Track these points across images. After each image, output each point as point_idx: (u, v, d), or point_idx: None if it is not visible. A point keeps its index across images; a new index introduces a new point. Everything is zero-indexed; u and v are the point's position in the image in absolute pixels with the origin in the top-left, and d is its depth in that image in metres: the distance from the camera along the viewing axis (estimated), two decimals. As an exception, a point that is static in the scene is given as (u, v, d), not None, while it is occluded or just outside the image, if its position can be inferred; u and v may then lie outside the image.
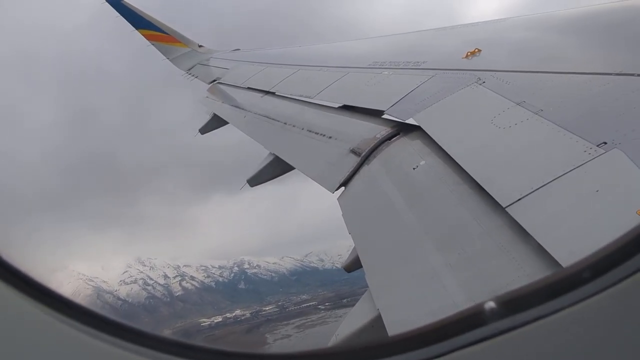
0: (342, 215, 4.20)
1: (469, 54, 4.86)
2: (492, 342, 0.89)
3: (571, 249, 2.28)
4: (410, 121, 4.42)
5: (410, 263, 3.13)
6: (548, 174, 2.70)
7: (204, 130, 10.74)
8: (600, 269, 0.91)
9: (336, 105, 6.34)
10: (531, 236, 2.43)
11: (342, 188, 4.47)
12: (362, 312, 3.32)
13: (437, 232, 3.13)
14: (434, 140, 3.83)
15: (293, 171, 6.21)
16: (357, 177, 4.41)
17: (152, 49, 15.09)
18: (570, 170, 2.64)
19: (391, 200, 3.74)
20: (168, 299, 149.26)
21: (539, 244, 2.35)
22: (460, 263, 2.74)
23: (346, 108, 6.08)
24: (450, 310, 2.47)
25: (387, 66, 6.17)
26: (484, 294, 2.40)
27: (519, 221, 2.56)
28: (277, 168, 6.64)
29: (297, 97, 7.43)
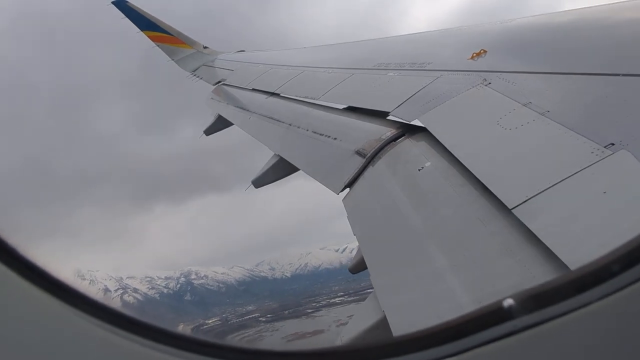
0: (347, 216, 4.19)
1: (474, 55, 4.84)
2: (511, 340, 0.88)
3: (578, 250, 2.26)
4: (416, 122, 4.41)
5: (416, 264, 3.11)
6: (555, 176, 2.68)
7: (208, 131, 10.76)
8: (622, 266, 0.89)
9: (341, 107, 6.34)
10: (538, 238, 2.41)
11: (347, 190, 4.46)
12: (367, 314, 3.30)
13: (442, 234, 3.12)
14: (439, 142, 3.82)
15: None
16: (362, 178, 4.40)
17: (159, 50, 15.14)
18: (578, 172, 2.62)
19: (396, 202, 3.73)
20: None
21: (545, 246, 2.34)
22: (465, 265, 2.72)
23: (351, 109, 6.07)
24: (455, 311, 2.45)
25: (392, 67, 6.15)
26: (490, 296, 2.39)
27: (525, 223, 2.54)
28: (281, 169, 6.64)
29: (302, 99, 7.43)
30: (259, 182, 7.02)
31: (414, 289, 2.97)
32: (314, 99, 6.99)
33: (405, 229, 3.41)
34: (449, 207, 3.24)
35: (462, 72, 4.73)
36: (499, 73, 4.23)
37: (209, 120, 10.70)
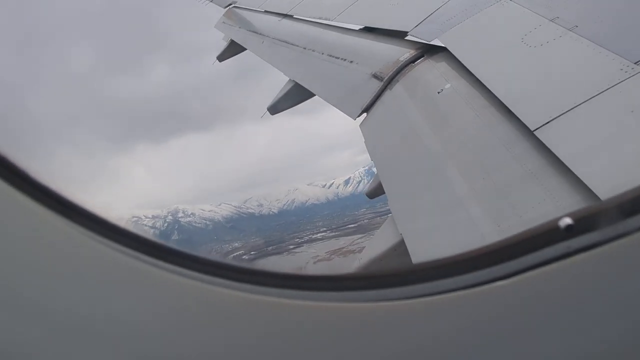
0: (365, 142, 4.16)
1: (499, -34, 4.53)
2: (565, 263, 0.84)
3: (603, 173, 2.22)
4: (436, 42, 4.22)
5: (434, 189, 3.11)
6: (581, 95, 2.59)
7: (222, 57, 10.53)
8: None
9: (357, 28, 6.09)
10: (561, 160, 2.36)
11: (364, 115, 4.39)
12: (385, 237, 3.37)
13: (462, 158, 3.08)
14: (460, 62, 3.68)
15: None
16: (379, 102, 4.32)
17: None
18: (605, 90, 2.51)
19: (415, 126, 3.67)
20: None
21: (568, 168, 2.30)
22: (486, 189, 2.71)
23: (368, 30, 5.84)
24: (474, 236, 2.48)
25: (410, -17, 5.82)
26: (510, 221, 2.40)
27: (548, 145, 2.49)
28: (297, 95, 6.54)
29: (316, 20, 7.15)
30: (274, 109, 6.95)
31: (433, 214, 2.99)
32: (328, 20, 6.72)
33: (424, 154, 3.38)
34: (470, 130, 3.17)
35: (486, -14, 4.45)
36: (525, -15, 3.98)
37: (214, 48, 10.43)
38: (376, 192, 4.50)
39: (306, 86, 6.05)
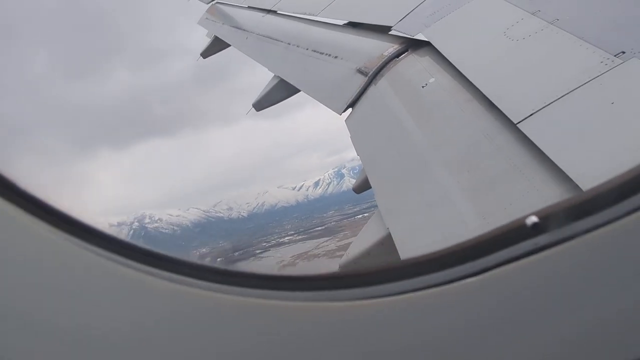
0: (350, 137, 4.17)
1: (481, -40, 4.55)
2: (533, 259, 0.85)
3: (585, 164, 2.26)
4: (419, 37, 4.24)
5: (420, 183, 3.13)
6: (562, 88, 2.62)
7: (205, 53, 10.44)
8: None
9: (341, 23, 6.08)
10: (543, 152, 2.39)
11: (349, 110, 4.40)
12: (372, 232, 3.38)
13: (446, 151, 3.10)
14: (444, 56, 3.70)
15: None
16: (364, 97, 4.32)
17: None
18: (586, 83, 2.55)
19: (400, 120, 3.68)
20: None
21: (551, 160, 2.33)
22: (470, 182, 2.73)
23: (352, 25, 5.83)
24: (459, 228, 2.50)
25: (393, -22, 5.83)
26: (495, 213, 2.42)
27: (530, 137, 2.52)
28: (282, 91, 6.52)
29: (300, 15, 7.12)
30: (260, 105, 6.92)
31: (419, 208, 3.01)
32: (312, 15, 6.70)
33: (410, 148, 3.40)
34: (454, 123, 3.20)
35: (468, -20, 4.48)
36: (507, -21, 4.00)
37: (198, 42, 10.35)
38: (363, 187, 4.52)
39: (291, 82, 6.03)
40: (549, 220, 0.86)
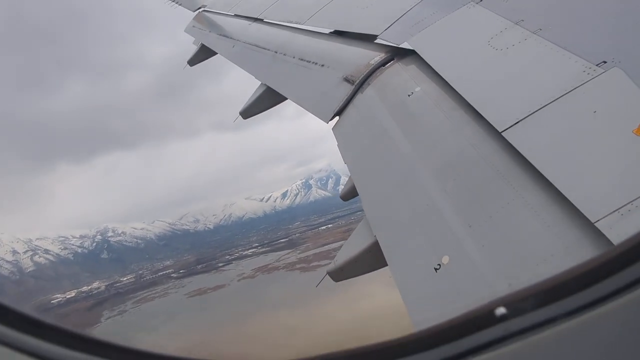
0: (337, 145, 4.18)
1: (465, -30, 4.61)
2: (503, 346, 0.84)
3: (568, 172, 2.29)
4: (405, 45, 4.27)
5: (406, 190, 3.15)
6: (545, 97, 2.66)
7: (192, 61, 10.41)
8: (616, 267, 0.83)
9: (327, 31, 6.12)
10: (528, 161, 2.42)
11: (337, 118, 4.41)
12: (360, 239, 3.38)
13: (432, 159, 3.13)
14: (429, 65, 3.73)
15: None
16: (351, 105, 4.34)
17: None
18: (568, 92, 2.59)
19: (386, 128, 3.70)
20: (17, 277, 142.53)
21: (535, 168, 2.36)
22: (456, 189, 2.75)
23: (338, 33, 5.87)
24: (445, 234, 2.52)
25: (379, -13, 5.88)
26: (480, 221, 2.44)
27: (515, 145, 2.55)
28: (269, 99, 6.51)
29: (286, 24, 7.15)
30: (247, 113, 6.91)
31: (405, 215, 3.02)
32: (299, 24, 6.73)
33: (396, 156, 3.42)
34: (440, 132, 3.23)
35: (453, -10, 4.53)
36: (491, -10, 4.06)
37: (185, 50, 10.33)
38: (350, 194, 4.52)
39: (278, 90, 6.04)
40: (517, 306, 0.84)
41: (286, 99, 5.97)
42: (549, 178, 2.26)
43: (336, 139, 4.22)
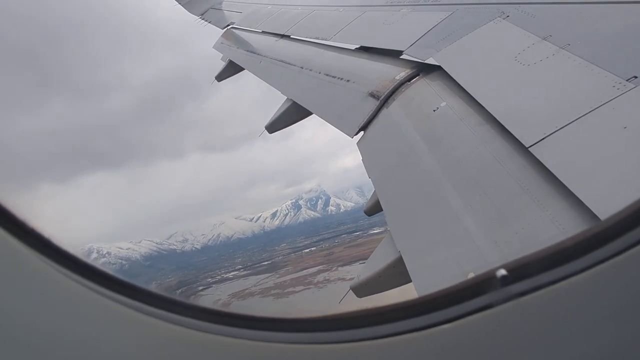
0: (362, 159, 4.19)
1: (492, -14, 4.61)
2: (502, 307, 0.92)
3: (596, 188, 2.24)
4: (430, 61, 4.28)
5: (431, 206, 3.13)
6: (574, 112, 2.62)
7: (220, 77, 10.63)
8: (606, 237, 0.92)
9: (353, 47, 6.17)
10: (555, 177, 2.38)
11: (361, 133, 4.43)
12: (384, 255, 3.37)
13: (457, 174, 3.10)
14: (455, 81, 3.73)
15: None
16: (376, 121, 4.35)
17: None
18: (598, 107, 2.55)
19: (411, 144, 3.70)
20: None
21: (563, 184, 2.32)
22: (481, 205, 2.72)
23: (364, 49, 5.92)
24: (470, 251, 2.48)
25: (405, 3, 5.92)
26: (506, 237, 2.41)
27: (542, 161, 2.51)
28: (294, 114, 6.59)
29: (313, 40, 7.25)
30: (272, 127, 7.00)
31: (430, 230, 3.00)
32: (325, 40, 6.81)
33: (421, 171, 3.40)
34: (465, 147, 3.20)
35: (479, 5, 4.53)
36: (518, 5, 4.05)
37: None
38: (374, 209, 4.51)
39: (304, 105, 6.10)
40: (517, 271, 0.93)
41: (311, 113, 6.03)
42: (577, 195, 2.22)
43: (361, 153, 4.23)
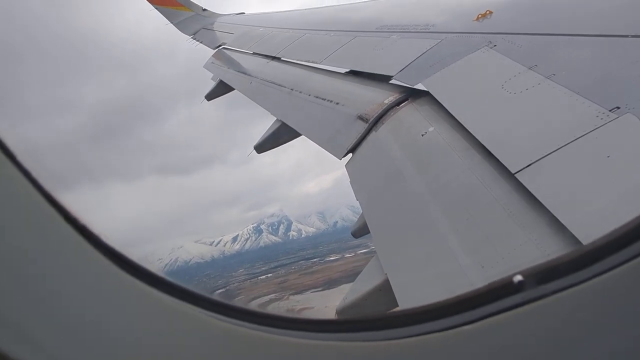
0: (350, 181, 4.21)
1: (480, 16, 4.74)
2: (519, 311, 0.97)
3: (580, 214, 2.28)
4: (419, 86, 4.36)
5: (417, 229, 3.14)
6: (559, 140, 2.68)
7: (210, 96, 10.68)
8: (617, 245, 0.97)
9: (343, 71, 6.26)
10: (540, 202, 2.42)
11: (350, 155, 4.46)
12: (370, 277, 3.36)
13: (444, 199, 3.13)
14: (443, 106, 3.79)
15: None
16: (364, 143, 4.39)
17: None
18: (582, 136, 2.61)
19: (399, 167, 3.73)
20: None
21: (548, 210, 2.35)
22: (468, 229, 2.75)
23: (353, 73, 6.00)
24: (457, 274, 2.50)
25: (395, 30, 6.04)
26: (493, 262, 2.42)
27: (528, 187, 2.56)
28: (283, 135, 6.62)
29: (303, 63, 7.34)
30: (261, 148, 7.02)
31: (416, 254, 3.01)
32: (315, 63, 6.90)
33: (408, 194, 3.43)
34: (452, 172, 3.24)
35: (467, 34, 4.65)
36: (505, 35, 4.16)
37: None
38: (361, 231, 4.52)
39: (293, 126, 6.14)
40: (534, 277, 0.99)
41: (300, 135, 6.06)
42: (561, 221, 2.25)
43: (349, 175, 4.25)
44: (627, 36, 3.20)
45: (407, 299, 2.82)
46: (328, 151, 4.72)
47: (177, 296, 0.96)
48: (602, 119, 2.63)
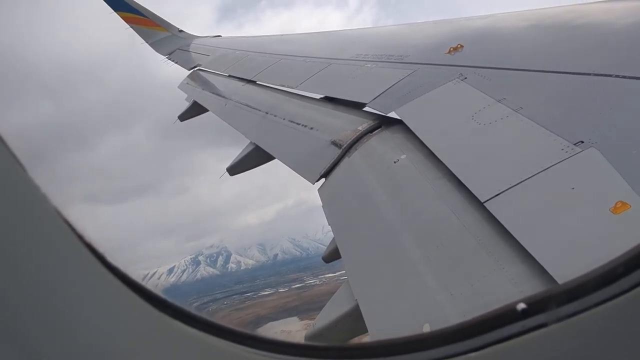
0: (322, 206, 4.22)
1: (451, 49, 4.90)
2: (521, 339, 0.97)
3: (546, 243, 2.34)
4: (392, 115, 4.44)
5: (389, 255, 3.16)
6: (526, 171, 2.76)
7: (183, 117, 10.60)
8: (620, 272, 0.98)
9: (318, 97, 6.33)
10: (508, 231, 2.48)
11: (323, 180, 4.48)
12: (340, 303, 3.34)
13: (416, 226, 3.17)
14: (415, 135, 3.87)
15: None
16: (338, 169, 4.43)
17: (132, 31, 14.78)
18: (548, 168, 2.70)
19: (371, 193, 3.77)
20: None
21: (515, 239, 2.41)
22: (438, 256, 2.78)
23: (328, 99, 6.08)
24: (427, 301, 2.51)
25: (370, 59, 6.17)
26: (462, 289, 2.45)
27: (496, 216, 2.62)
28: (257, 157, 6.61)
29: (278, 87, 7.39)
30: (234, 170, 6.97)
31: (388, 280, 3.02)
32: (290, 88, 6.96)
33: (380, 221, 3.46)
34: (424, 199, 3.29)
35: (439, 66, 4.78)
36: (475, 68, 4.30)
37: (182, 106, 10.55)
38: (332, 256, 4.51)
39: (266, 149, 6.14)
40: (536, 305, 0.98)
41: (273, 158, 6.07)
42: (528, 250, 2.31)
43: (321, 200, 4.26)
44: (590, 74, 3.35)
45: (377, 325, 2.82)
46: (301, 175, 4.74)
47: (171, 314, 0.98)
48: (567, 152, 2.73)
